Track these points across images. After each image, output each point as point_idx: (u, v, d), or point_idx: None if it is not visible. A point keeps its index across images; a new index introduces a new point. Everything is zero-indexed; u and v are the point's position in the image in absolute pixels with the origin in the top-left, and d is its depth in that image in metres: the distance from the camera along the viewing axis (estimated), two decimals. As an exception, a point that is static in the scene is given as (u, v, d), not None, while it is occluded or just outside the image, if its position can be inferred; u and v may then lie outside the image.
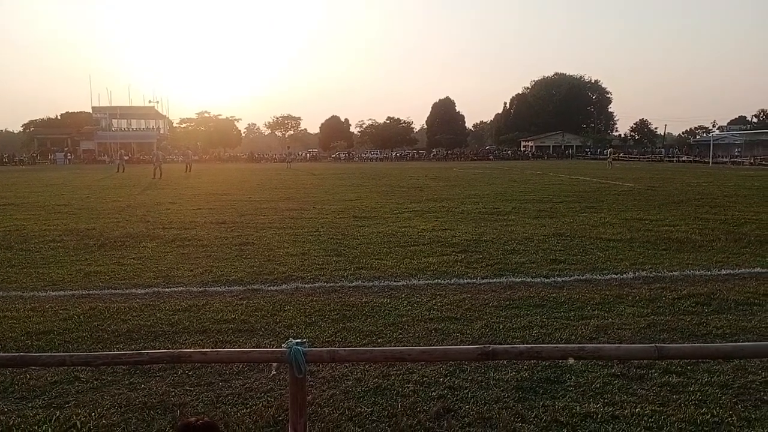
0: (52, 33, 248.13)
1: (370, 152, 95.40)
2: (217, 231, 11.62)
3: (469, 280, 7.35)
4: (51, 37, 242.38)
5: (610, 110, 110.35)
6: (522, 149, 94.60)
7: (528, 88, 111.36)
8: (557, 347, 2.62)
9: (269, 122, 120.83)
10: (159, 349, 4.98)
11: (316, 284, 7.29)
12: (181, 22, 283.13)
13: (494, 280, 7.36)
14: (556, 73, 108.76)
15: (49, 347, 5.08)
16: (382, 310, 6.11)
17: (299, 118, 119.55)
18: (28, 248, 9.79)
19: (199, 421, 2.44)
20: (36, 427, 3.66)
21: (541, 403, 3.97)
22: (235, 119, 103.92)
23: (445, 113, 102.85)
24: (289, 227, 12.16)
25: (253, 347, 4.99)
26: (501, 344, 3.88)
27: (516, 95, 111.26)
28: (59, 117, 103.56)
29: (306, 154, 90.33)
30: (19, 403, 4.02)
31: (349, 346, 4.90)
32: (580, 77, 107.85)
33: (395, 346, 4.91)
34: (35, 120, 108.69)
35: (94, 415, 3.79)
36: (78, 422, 3.69)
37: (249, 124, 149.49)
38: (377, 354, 2.93)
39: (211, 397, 4.07)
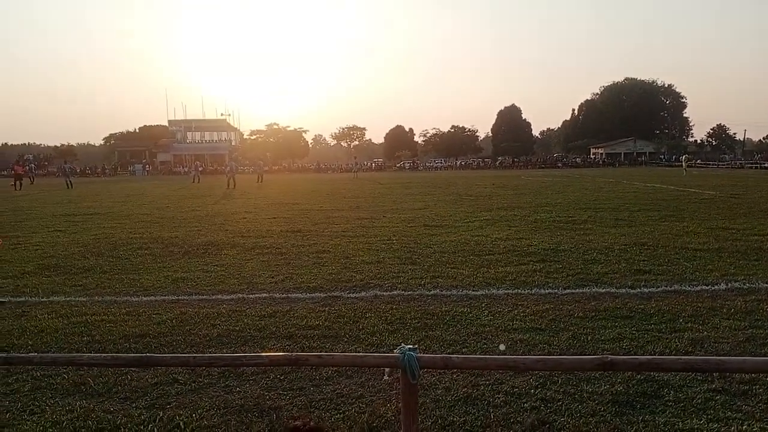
0: (131, 49, 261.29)
1: (434, 161, 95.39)
2: (294, 239, 11.87)
3: (550, 290, 7.20)
4: (130, 53, 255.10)
5: (684, 115, 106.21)
6: (591, 157, 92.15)
7: (597, 94, 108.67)
8: (679, 359, 2.53)
9: (335, 133, 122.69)
10: (248, 353, 5.14)
11: (394, 292, 7.32)
12: (250, 36, 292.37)
13: (577, 290, 7.18)
14: (626, 78, 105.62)
15: (146, 350, 5.31)
16: (464, 320, 6.06)
17: (364, 129, 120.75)
18: (117, 255, 10.30)
19: (305, 426, 2.49)
20: (142, 427, 3.82)
21: (640, 418, 3.83)
22: (303, 130, 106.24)
23: (510, 120, 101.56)
24: (362, 236, 12.28)
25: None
26: (618, 355, 3.77)
27: (585, 101, 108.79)
28: (137, 130, 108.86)
29: (371, 163, 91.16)
30: (123, 403, 4.21)
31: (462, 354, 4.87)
32: (653, 82, 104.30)
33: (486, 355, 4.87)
34: (115, 133, 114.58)
35: (195, 416, 3.94)
36: (181, 423, 3.84)
37: (316, 135, 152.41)
38: (491, 362, 2.89)
39: (304, 402, 4.15)
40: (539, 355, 4.97)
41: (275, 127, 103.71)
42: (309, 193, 28.95)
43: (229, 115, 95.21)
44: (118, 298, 7.23)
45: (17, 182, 38.00)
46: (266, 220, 15.68)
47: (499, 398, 4.17)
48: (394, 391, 4.15)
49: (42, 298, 7.30)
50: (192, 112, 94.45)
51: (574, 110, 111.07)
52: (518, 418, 3.85)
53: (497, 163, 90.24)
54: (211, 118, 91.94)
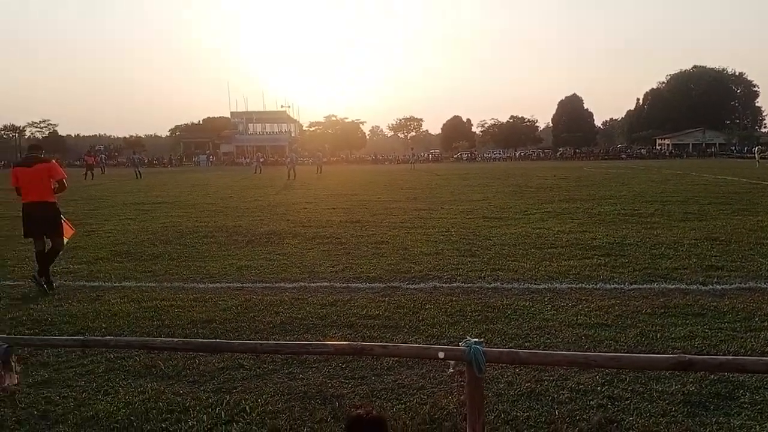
0: (195, 42, 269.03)
1: (492, 152, 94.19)
2: (353, 230, 11.97)
3: (616, 285, 6.99)
4: (194, 46, 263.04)
5: (757, 105, 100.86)
6: (657, 148, 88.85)
7: (663, 82, 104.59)
8: (761, 360, 2.39)
9: (392, 124, 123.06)
10: (311, 341, 5.22)
11: (454, 284, 7.28)
12: (309, 29, 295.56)
13: (644, 285, 6.95)
14: (694, 67, 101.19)
15: (213, 335, 5.46)
16: (526, 314, 5.97)
17: (421, 120, 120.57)
18: (184, 243, 10.64)
19: (368, 415, 2.50)
20: (209, 410, 3.93)
21: (713, 420, 3.67)
22: (360, 122, 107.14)
23: (572, 111, 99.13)
24: (420, 227, 12.26)
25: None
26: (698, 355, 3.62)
27: (650, 90, 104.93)
28: (201, 122, 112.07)
29: (428, 154, 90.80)
30: (192, 386, 4.35)
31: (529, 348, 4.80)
32: (722, 70, 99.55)
33: (548, 350, 4.77)
34: (180, 125, 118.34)
35: (260, 401, 4.03)
36: (247, 407, 3.93)
37: (373, 127, 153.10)
38: (559, 358, 2.82)
39: (365, 391, 4.18)
40: (606, 351, 4.84)
41: (333, 118, 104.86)
42: (366, 184, 29.11)
43: (289, 107, 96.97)
44: (185, 285, 7.48)
45: (88, 172, 39.85)
46: (326, 211, 15.88)
47: (564, 394, 4.08)
48: (455, 383, 4.13)
49: (114, 283, 7.63)
50: (253, 105, 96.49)
51: (638, 100, 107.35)
52: (584, 416, 3.76)
53: (558, 154, 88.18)
54: (271, 110, 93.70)
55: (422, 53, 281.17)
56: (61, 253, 7.82)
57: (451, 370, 2.58)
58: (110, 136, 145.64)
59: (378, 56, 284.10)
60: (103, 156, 65.81)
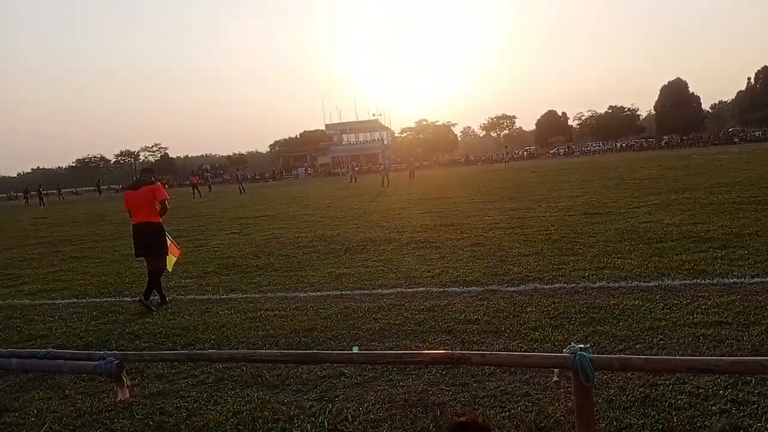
0: (291, 58, 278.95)
1: (591, 145, 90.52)
2: (447, 233, 11.87)
3: (735, 280, 6.46)
4: (289, 62, 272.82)
5: None
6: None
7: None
8: None
9: (484, 124, 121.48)
10: (411, 348, 5.20)
11: (556, 285, 7.01)
12: (397, 35, 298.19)
13: (768, 279, 6.38)
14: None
15: (315, 344, 5.57)
16: (635, 313, 5.63)
17: (514, 117, 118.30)
18: (286, 254, 10.99)
19: (473, 423, 2.41)
20: (313, 419, 3.99)
21: None
22: (451, 124, 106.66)
23: (676, 96, 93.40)
24: (518, 227, 11.95)
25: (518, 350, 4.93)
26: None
27: (762, 68, 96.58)
28: (299, 136, 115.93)
29: (522, 152, 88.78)
30: (296, 395, 4.44)
31: (642, 354, 4.55)
32: None
33: (661, 355, 4.48)
34: (279, 140, 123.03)
35: (362, 409, 4.04)
36: (349, 416, 3.96)
37: (464, 128, 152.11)
38: (678, 364, 2.60)
39: (467, 398, 4.09)
40: (727, 352, 4.47)
41: (424, 123, 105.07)
42: (460, 186, 28.85)
43: (380, 115, 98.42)
44: (288, 294, 7.70)
45: (195, 190, 42.22)
46: (419, 215, 15.87)
47: (682, 399, 3.79)
48: (562, 390, 3.95)
49: (222, 295, 7.99)
50: (346, 115, 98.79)
51: (749, 79, 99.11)
52: (705, 423, 3.47)
53: (663, 142, 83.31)
54: (363, 120, 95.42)
55: (512, 50, 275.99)
56: (169, 270, 8.09)
57: (555, 378, 2.44)
58: (215, 155, 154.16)
59: (467, 56, 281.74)
60: (209, 174, 69.68)
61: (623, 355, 3.70)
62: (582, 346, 2.20)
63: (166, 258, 7.82)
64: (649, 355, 4.48)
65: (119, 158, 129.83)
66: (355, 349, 4.69)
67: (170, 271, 8.16)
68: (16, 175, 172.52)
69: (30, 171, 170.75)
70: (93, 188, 71.51)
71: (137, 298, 7.60)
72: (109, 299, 8.33)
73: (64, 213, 32.49)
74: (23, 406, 4.52)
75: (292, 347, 5.50)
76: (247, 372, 4.90)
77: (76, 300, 8.42)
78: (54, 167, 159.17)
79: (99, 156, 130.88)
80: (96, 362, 2.75)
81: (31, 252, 14.66)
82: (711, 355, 4.34)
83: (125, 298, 8.29)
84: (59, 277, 10.44)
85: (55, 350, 3.07)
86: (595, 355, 2.22)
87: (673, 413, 3.63)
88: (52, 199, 63.43)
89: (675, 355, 4.50)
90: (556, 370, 2.52)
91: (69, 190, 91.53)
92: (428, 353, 2.47)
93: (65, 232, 19.98)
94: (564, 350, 2.26)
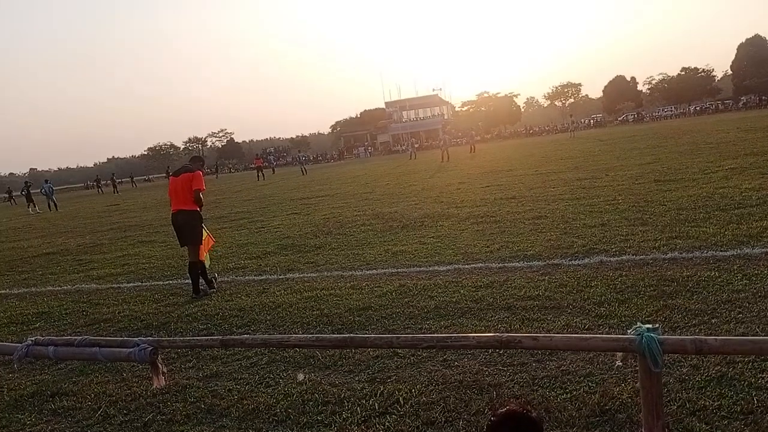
0: (349, 37, 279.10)
1: (662, 110, 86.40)
2: (508, 206, 11.50)
3: (826, 247, 5.89)
4: (348, 41, 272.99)
5: None
6: None
7: None
8: None
9: (548, 93, 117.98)
10: (466, 325, 4.99)
11: (623, 257, 6.60)
12: (453, 6, 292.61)
13: None
14: None
15: (369, 323, 5.45)
16: (711, 285, 5.20)
17: (579, 84, 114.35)
18: (344, 232, 10.93)
19: (522, 413, 2.17)
20: (363, 401, 3.85)
21: None
22: (514, 95, 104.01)
23: (755, 54, 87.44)
24: (583, 197, 11.44)
25: (578, 330, 4.65)
26: None
27: None
28: (359, 115, 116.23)
29: (589, 120, 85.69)
30: (347, 376, 4.32)
31: (714, 333, 4.19)
32: None
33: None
34: (340, 120, 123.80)
35: (414, 391, 3.88)
36: (400, 398, 3.81)
37: (527, 98, 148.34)
38: (763, 345, 2.27)
39: (526, 379, 3.86)
40: (818, 327, 4.03)
41: (485, 95, 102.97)
42: (523, 158, 28.08)
43: (440, 89, 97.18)
44: (344, 273, 7.61)
45: (259, 173, 43.06)
46: (479, 189, 15.50)
47: (764, 378, 3.43)
48: (629, 369, 3.66)
49: (280, 275, 7.99)
50: (406, 92, 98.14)
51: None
52: (793, 406, 3.12)
53: (740, 104, 78.44)
54: (423, 95, 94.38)
55: (576, 12, 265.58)
56: (206, 266, 7.65)
57: (618, 363, 2.17)
58: (279, 138, 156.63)
59: (528, 22, 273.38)
60: (272, 157, 70.93)
61: (698, 336, 3.33)
62: (650, 326, 1.92)
63: (199, 249, 7.45)
64: (727, 330, 4.10)
65: (188, 144, 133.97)
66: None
67: (207, 266, 7.70)
68: (92, 165, 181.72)
69: (105, 161, 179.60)
70: (164, 175, 74.21)
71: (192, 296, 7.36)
72: (171, 282, 8.50)
73: (136, 200, 33.80)
74: (81, 389, 4.60)
75: (346, 326, 5.41)
76: (300, 352, 4.82)
77: (140, 283, 8.63)
78: (128, 156, 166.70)
79: (169, 143, 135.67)
80: (130, 349, 2.70)
81: (102, 237, 15.24)
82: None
83: (186, 281, 8.42)
84: (126, 261, 10.77)
85: (91, 337, 3.05)
86: (665, 337, 1.94)
87: (754, 393, 3.29)
88: (125, 186, 66.25)
89: (756, 331, 4.11)
90: (619, 354, 2.23)
91: (141, 177, 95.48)
92: (474, 336, 2.26)
93: (135, 217, 20.72)
94: (629, 331, 1.98)
